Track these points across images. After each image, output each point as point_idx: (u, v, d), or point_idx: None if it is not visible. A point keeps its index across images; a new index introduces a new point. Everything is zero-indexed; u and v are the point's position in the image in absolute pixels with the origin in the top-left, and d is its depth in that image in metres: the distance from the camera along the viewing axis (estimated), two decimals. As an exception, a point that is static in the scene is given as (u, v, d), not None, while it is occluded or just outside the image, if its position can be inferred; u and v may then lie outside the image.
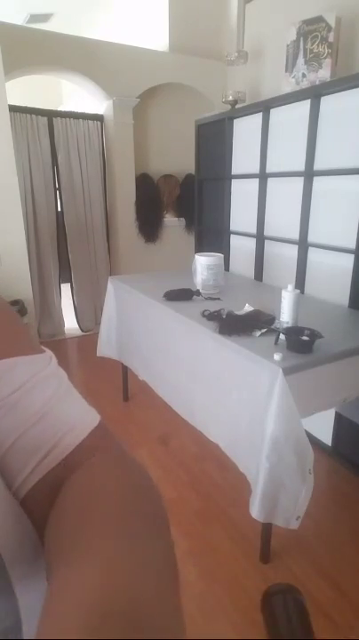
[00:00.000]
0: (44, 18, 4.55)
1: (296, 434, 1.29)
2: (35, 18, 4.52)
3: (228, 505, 1.86)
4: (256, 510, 1.34)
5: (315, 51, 2.19)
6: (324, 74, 2.17)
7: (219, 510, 1.84)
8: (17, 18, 4.42)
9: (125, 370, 2.65)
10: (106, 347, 2.58)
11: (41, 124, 3.38)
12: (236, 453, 1.53)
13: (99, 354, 2.62)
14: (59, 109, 3.81)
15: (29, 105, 3.33)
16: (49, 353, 0.42)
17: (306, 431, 1.33)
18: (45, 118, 3.39)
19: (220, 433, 1.63)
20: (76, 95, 4.15)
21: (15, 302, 2.73)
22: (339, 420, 2.12)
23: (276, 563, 1.58)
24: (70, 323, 3.95)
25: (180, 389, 1.90)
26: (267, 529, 1.54)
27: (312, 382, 1.41)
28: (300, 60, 2.26)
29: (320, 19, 2.16)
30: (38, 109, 3.36)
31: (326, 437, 2.20)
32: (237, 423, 1.50)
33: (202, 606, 1.42)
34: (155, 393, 2.12)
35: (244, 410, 1.46)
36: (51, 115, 3.43)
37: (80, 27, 4.69)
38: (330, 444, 2.18)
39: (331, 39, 2.13)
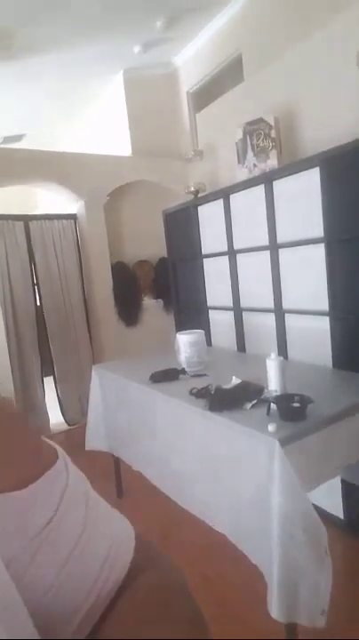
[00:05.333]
0: (17, 138, 5.06)
1: (304, 511, 1.21)
2: (8, 139, 5.02)
3: (246, 607, 1.65)
4: (275, 609, 1.19)
5: (261, 145, 2.47)
6: (273, 162, 2.42)
7: (236, 615, 1.63)
8: (-8, 141, 4.91)
9: (117, 462, 2.50)
10: (95, 439, 2.46)
11: (18, 228, 3.57)
12: (245, 543, 1.40)
13: (88, 447, 2.48)
14: (34, 213, 4.07)
15: (6, 211, 3.55)
16: (60, 452, 0.37)
17: (314, 506, 1.24)
18: (22, 222, 3.60)
19: (224, 521, 1.51)
20: (50, 198, 4.47)
21: (-3, 402, 2.63)
22: (347, 488, 2.00)
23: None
24: (55, 417, 3.80)
25: (177, 476, 1.79)
26: (290, 630, 1.36)
27: (311, 451, 1.36)
28: (250, 154, 2.54)
29: (261, 120, 2.47)
30: (15, 215, 3.58)
31: (337, 510, 2.06)
32: (240, 507, 1.40)
33: None
34: (152, 484, 1.98)
35: (245, 490, 1.37)
36: (26, 219, 3.64)
37: (50, 141, 5.21)
38: (342, 516, 2.04)
39: (273, 135, 2.42)
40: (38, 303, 3.75)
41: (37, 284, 3.72)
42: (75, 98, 4.42)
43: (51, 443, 0.37)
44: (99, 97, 4.44)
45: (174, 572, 0.38)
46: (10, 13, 2.90)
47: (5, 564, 0.28)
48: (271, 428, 1.29)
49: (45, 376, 3.80)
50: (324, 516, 2.02)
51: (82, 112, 4.77)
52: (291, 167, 2.14)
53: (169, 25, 3.37)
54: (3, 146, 4.96)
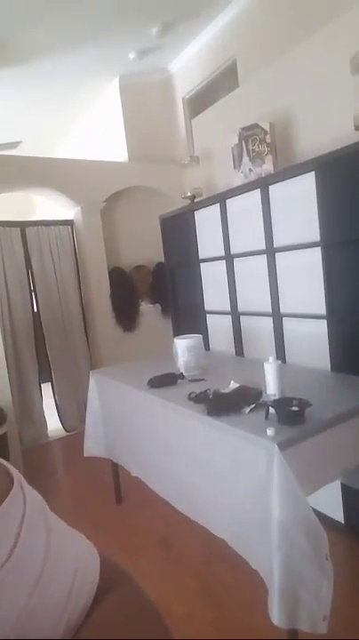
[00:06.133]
0: (14, 145, 5.07)
1: (304, 515, 1.20)
2: (4, 146, 5.03)
3: (246, 612, 1.64)
4: (276, 615, 1.18)
5: (257, 150, 2.48)
6: (268, 167, 2.43)
7: (236, 619, 1.61)
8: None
9: (116, 468, 2.48)
10: (93, 445, 2.45)
11: (14, 234, 3.57)
12: (244, 547, 1.39)
13: (86, 454, 2.47)
14: (32, 219, 4.07)
15: (2, 218, 3.55)
16: (15, 474, 0.34)
17: (314, 510, 1.24)
18: (18, 229, 3.60)
19: (224, 525, 1.50)
20: (47, 204, 4.48)
21: (-6, 409, 2.62)
22: (347, 491, 2.00)
23: None
24: (53, 423, 3.78)
25: (175, 481, 1.78)
26: (292, 636, 1.35)
27: (310, 454, 1.35)
28: (245, 159, 2.55)
29: (256, 125, 2.48)
30: (11, 222, 3.58)
31: (337, 514, 2.05)
32: (239, 511, 1.39)
33: None
34: (151, 489, 1.97)
35: (244, 495, 1.37)
36: (23, 225, 3.64)
37: (46, 147, 5.23)
38: (342, 520, 2.03)
39: (268, 140, 2.43)
40: (35, 309, 3.74)
41: (34, 290, 3.71)
42: (70, 104, 4.45)
43: (3, 462, 0.35)
44: (94, 103, 4.46)
45: (139, 590, 0.37)
46: (4, 22, 2.91)
47: None
48: (270, 431, 1.28)
49: (43, 382, 3.79)
50: (324, 519, 2.01)
51: (78, 118, 4.79)
52: (287, 172, 2.16)
53: (164, 32, 3.40)
54: (-1, 153, 4.97)
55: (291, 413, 1.38)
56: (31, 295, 3.71)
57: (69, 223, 3.88)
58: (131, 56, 3.69)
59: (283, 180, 2.17)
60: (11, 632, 0.28)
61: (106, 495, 2.58)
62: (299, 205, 2.09)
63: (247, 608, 1.66)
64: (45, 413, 3.76)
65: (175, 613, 1.67)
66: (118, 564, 0.39)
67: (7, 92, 3.93)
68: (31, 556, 0.30)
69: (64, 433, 3.77)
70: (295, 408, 1.39)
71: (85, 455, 2.47)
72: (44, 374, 3.79)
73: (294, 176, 2.10)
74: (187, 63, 3.92)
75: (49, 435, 3.74)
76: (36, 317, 3.73)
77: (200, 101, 3.94)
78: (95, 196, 3.74)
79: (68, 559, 0.34)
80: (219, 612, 1.66)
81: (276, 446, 1.22)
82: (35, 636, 0.29)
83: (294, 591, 1.19)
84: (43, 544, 0.32)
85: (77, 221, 3.83)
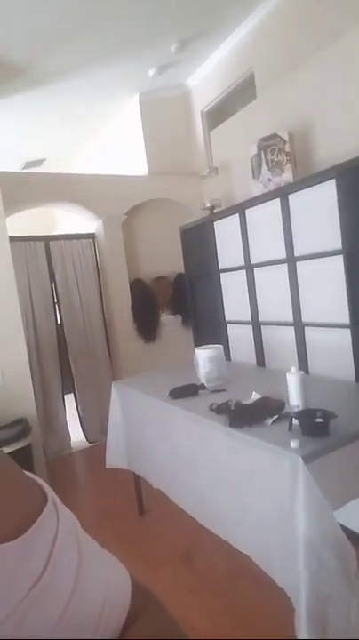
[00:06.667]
0: (38, 163, 5.24)
1: (332, 531, 1.16)
2: (30, 164, 5.21)
3: (273, 632, 1.59)
4: (305, 635, 1.14)
5: (276, 160, 2.48)
6: (288, 176, 2.43)
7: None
8: (15, 166, 5.10)
9: (138, 480, 2.48)
10: (115, 456, 2.45)
11: (39, 248, 3.67)
12: (269, 564, 1.36)
13: (108, 465, 2.47)
14: (54, 233, 4.17)
15: (27, 233, 3.66)
16: (48, 491, 0.34)
17: (341, 526, 1.20)
18: (42, 243, 3.70)
19: (247, 540, 1.47)
20: (69, 218, 4.60)
21: (18, 422, 2.66)
22: (376, 506, 1.92)
23: None
24: (76, 435, 3.81)
25: (198, 494, 1.76)
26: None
27: (335, 468, 1.31)
28: (264, 169, 2.55)
29: (275, 135, 2.49)
30: (36, 237, 3.68)
31: (366, 529, 1.98)
32: (263, 526, 1.36)
33: None
34: (173, 501, 1.95)
35: (268, 509, 1.34)
36: (47, 239, 3.74)
37: (68, 164, 5.39)
38: (372, 537, 1.95)
39: (287, 149, 2.43)
40: (58, 321, 3.81)
41: (58, 302, 3.79)
42: (92, 121, 4.57)
43: (37, 480, 0.34)
44: (115, 120, 4.57)
45: (170, 617, 0.36)
46: (27, 45, 3.04)
47: None
48: (294, 444, 1.26)
49: (66, 394, 3.83)
50: (352, 536, 1.94)
51: (98, 134, 4.91)
52: (307, 180, 2.14)
53: (182, 48, 3.47)
54: (25, 170, 5.15)
55: (315, 425, 1.35)
56: (54, 308, 3.78)
57: (91, 236, 3.95)
58: (151, 73, 3.78)
59: (303, 189, 2.16)
60: None
61: (128, 507, 2.57)
62: (319, 213, 2.07)
63: (274, 628, 1.61)
64: (68, 425, 3.80)
65: (199, 631, 1.64)
66: (149, 589, 0.38)
67: (30, 112, 4.08)
68: (62, 576, 0.30)
69: (87, 444, 3.79)
70: (319, 420, 1.36)
71: (107, 467, 2.47)
72: (67, 386, 3.84)
73: (314, 184, 2.09)
74: (205, 77, 3.98)
75: (72, 446, 3.77)
76: (60, 329, 3.79)
77: (218, 114, 3.98)
78: (116, 210, 3.81)
79: (100, 581, 0.33)
80: (244, 631, 1.62)
81: (301, 459, 1.19)
82: None
83: (322, 611, 1.14)
84: (74, 564, 0.31)
85: (99, 234, 3.90)
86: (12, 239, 2.97)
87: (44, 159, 5.23)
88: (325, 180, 2.02)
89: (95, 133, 4.88)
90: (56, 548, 0.30)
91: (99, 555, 0.35)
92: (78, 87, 3.78)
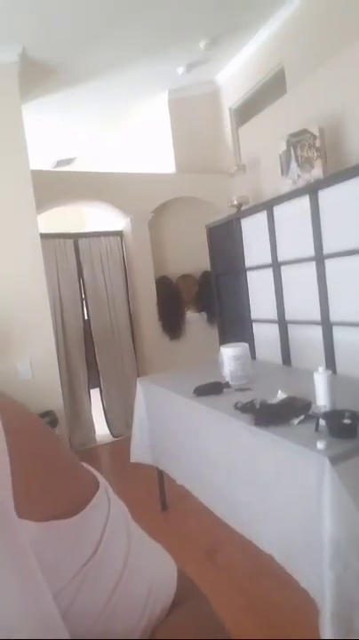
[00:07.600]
0: (69, 161, 5.34)
1: (358, 533, 1.14)
2: (61, 163, 5.31)
3: (296, 634, 1.57)
4: (329, 636, 1.12)
5: (306, 155, 2.44)
6: (318, 172, 2.38)
7: (285, 640, 1.55)
8: (46, 164, 5.22)
9: (161, 475, 2.50)
10: (139, 451, 2.48)
11: (68, 246, 3.75)
12: (293, 564, 1.34)
13: (132, 459, 2.50)
14: (81, 230, 4.25)
15: (56, 230, 3.74)
16: (101, 479, 0.35)
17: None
18: (71, 240, 3.77)
19: (272, 540, 1.45)
20: (97, 215, 4.67)
21: (46, 414, 2.74)
22: None
23: None
24: (100, 429, 3.87)
25: (221, 492, 1.75)
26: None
27: (364, 471, 1.28)
28: (293, 165, 2.51)
29: (304, 131, 2.44)
30: (65, 234, 3.76)
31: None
32: (288, 527, 1.35)
33: None
34: (196, 498, 1.96)
35: (294, 510, 1.32)
36: (76, 237, 3.81)
37: (98, 162, 5.46)
38: None
39: (317, 144, 2.38)
40: (86, 317, 3.88)
41: (85, 299, 3.86)
42: (121, 120, 4.62)
43: (90, 469, 0.36)
44: (144, 118, 4.60)
45: (211, 607, 0.38)
46: (58, 47, 3.10)
47: (53, 594, 0.27)
48: (320, 445, 1.24)
49: (92, 388, 3.91)
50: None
51: (127, 132, 4.96)
52: (338, 176, 2.09)
53: (211, 45, 3.45)
54: (56, 169, 5.26)
55: (342, 426, 1.32)
56: (82, 304, 3.85)
57: (119, 234, 4.00)
58: (180, 70, 3.78)
59: (333, 185, 2.11)
60: (91, 629, 0.29)
61: (151, 502, 2.59)
62: (350, 210, 2.02)
63: (297, 630, 1.59)
64: (93, 418, 3.87)
65: (220, 627, 1.63)
66: (193, 580, 0.39)
67: (62, 112, 4.16)
68: (113, 558, 0.31)
69: (111, 438, 3.85)
70: (347, 421, 1.33)
71: (131, 461, 2.50)
72: (93, 380, 3.91)
73: (345, 180, 2.04)
74: (234, 74, 3.95)
75: (96, 439, 3.84)
76: (87, 325, 3.86)
77: (246, 110, 3.94)
78: (144, 207, 3.84)
79: (148, 567, 0.35)
80: (266, 632, 1.61)
81: (328, 460, 1.17)
82: (114, 636, 0.30)
83: (348, 615, 1.12)
84: (124, 549, 0.32)
85: (126, 232, 3.95)
86: (43, 236, 3.05)
87: (75, 158, 5.32)
88: (357, 176, 1.97)
89: (124, 131, 4.93)
90: (107, 532, 0.31)
91: (148, 544, 0.37)
92: (108, 87, 3.82)
